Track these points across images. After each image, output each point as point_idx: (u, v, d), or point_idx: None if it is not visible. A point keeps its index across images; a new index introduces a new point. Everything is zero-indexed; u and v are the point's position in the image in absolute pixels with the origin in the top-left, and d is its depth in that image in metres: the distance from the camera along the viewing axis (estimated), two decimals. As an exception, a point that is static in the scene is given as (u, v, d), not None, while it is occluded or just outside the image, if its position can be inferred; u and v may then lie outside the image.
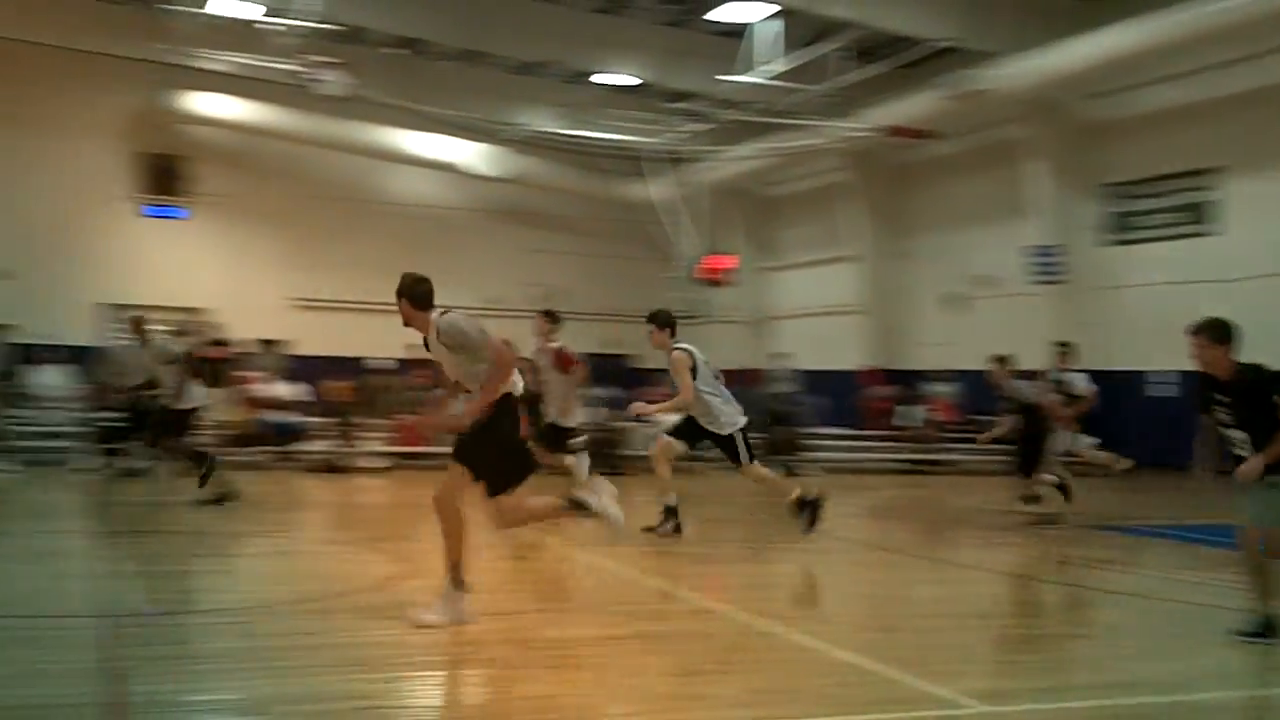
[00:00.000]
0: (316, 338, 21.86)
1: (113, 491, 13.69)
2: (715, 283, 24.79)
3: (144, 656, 5.99)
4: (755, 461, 10.28)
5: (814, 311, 26.09)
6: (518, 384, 6.81)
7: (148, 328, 13.56)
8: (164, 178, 23.88)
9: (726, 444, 10.20)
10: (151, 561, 9.26)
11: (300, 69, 19.97)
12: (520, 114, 24.40)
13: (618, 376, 22.61)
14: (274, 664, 5.87)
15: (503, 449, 6.73)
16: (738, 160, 25.03)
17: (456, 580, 6.71)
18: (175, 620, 7.16)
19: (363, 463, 17.60)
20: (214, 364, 16.90)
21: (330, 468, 17.16)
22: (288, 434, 17.81)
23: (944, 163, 23.43)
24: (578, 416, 12.08)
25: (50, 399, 17.65)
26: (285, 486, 15.39)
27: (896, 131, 21.29)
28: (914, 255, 24.65)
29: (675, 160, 25.08)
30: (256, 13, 19.86)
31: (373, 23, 22.12)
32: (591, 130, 23.64)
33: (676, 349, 10.16)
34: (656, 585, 8.52)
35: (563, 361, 11.65)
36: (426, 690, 5.79)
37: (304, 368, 19.35)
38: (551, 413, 11.71)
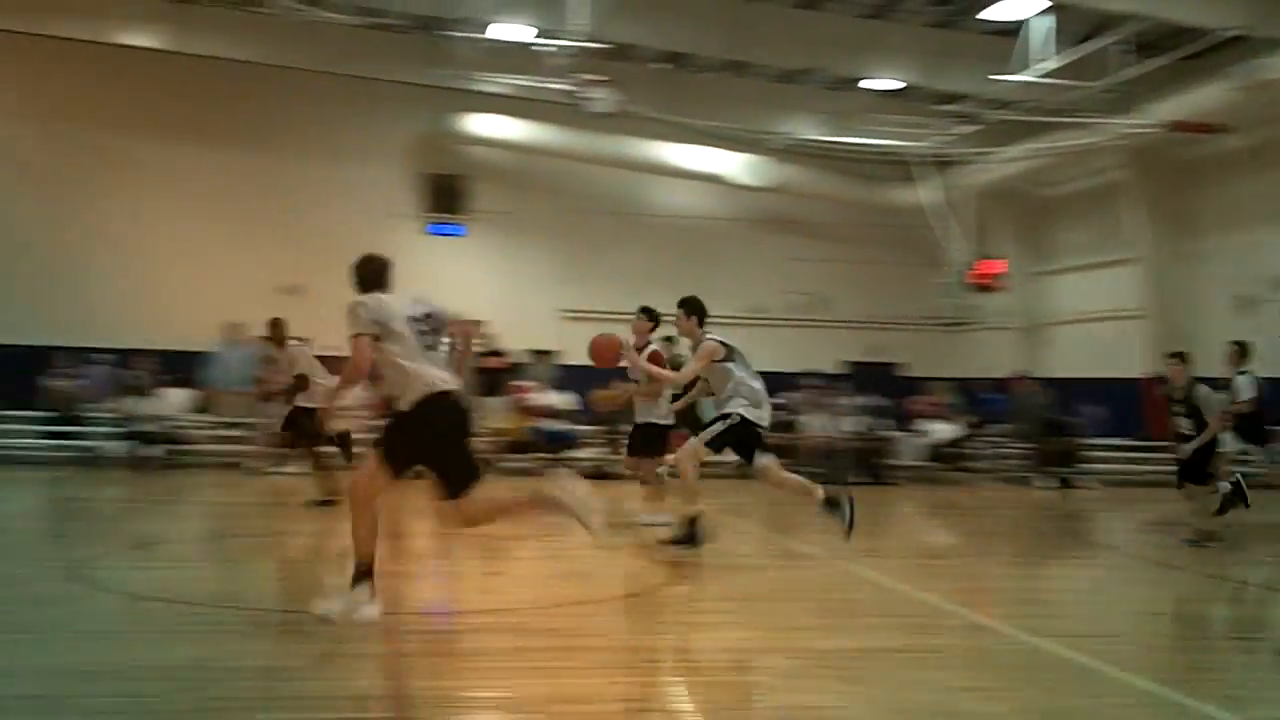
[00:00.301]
0: (585, 347, 22.38)
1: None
2: (987, 288, 24.10)
3: (423, 652, 6.29)
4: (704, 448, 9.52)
5: (1090, 317, 24.98)
6: (444, 380, 6.64)
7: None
8: (446, 197, 25.04)
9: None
10: (429, 561, 9.71)
11: (571, 88, 20.60)
12: (783, 122, 24.38)
13: (883, 384, 22.28)
14: (547, 664, 6.04)
15: (441, 448, 6.55)
16: (1008, 162, 24.25)
17: (360, 575, 6.58)
18: (452, 618, 7.47)
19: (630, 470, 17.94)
20: (492, 374, 17.63)
21: (599, 474, 17.57)
22: (559, 441, 18.38)
23: (1232, 157, 22.01)
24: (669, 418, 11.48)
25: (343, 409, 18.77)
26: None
27: (1180, 126, 20.16)
28: (1201, 256, 23.27)
29: (943, 164, 24.53)
30: (530, 35, 20.65)
31: (639, 39, 22.58)
32: (856, 136, 23.40)
33: (710, 339, 9.79)
34: (927, 599, 8.34)
35: (655, 365, 11.18)
36: (695, 695, 5.84)
37: (573, 377, 19.89)
38: (644, 415, 11.46)
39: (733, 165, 25.39)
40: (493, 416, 17.38)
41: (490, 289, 24.19)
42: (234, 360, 18.65)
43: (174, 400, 18.68)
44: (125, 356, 19.21)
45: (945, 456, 19.99)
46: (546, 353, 20.32)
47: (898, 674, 6.06)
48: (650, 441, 11.44)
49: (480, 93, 22.73)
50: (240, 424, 18.16)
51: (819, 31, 22.06)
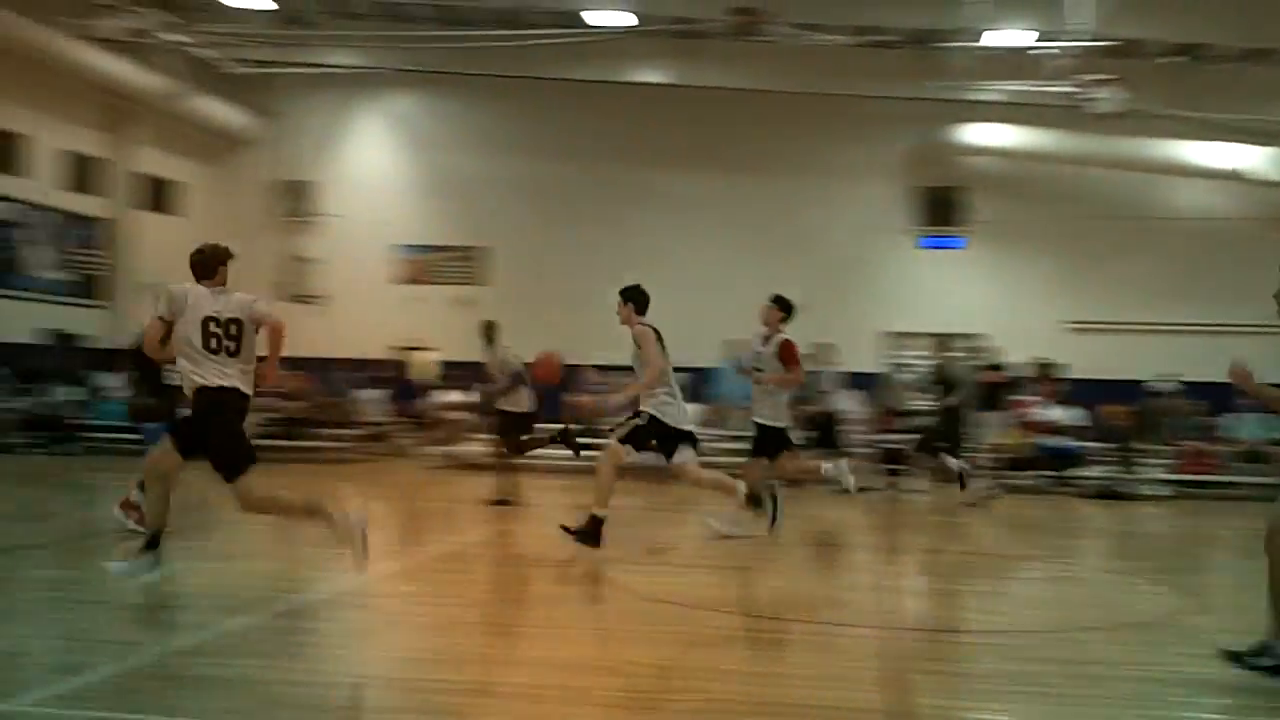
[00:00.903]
0: (1092, 360, 21.39)
1: (895, 510, 14.44)
2: None
3: (925, 670, 6.25)
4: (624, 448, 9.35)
5: None
6: (217, 377, 6.94)
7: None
8: (941, 209, 24.77)
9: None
10: (931, 578, 9.61)
11: (1074, 89, 19.76)
12: (1315, 110, 22.06)
13: None
14: (1051, 690, 5.82)
15: (204, 437, 7.05)
16: None
17: (150, 543, 7.21)
18: (953, 637, 7.36)
19: (1144, 490, 16.90)
20: (992, 389, 17.22)
21: (1109, 494, 16.67)
22: (1064, 458, 17.61)
23: None
24: (787, 419, 10.81)
25: (845, 422, 19.03)
26: (1062, 512, 15.23)
27: None
28: None
29: None
30: (1029, 39, 20.02)
31: (1148, 33, 21.26)
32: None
33: (644, 325, 9.58)
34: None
35: (787, 356, 10.57)
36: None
37: (1080, 391, 19.01)
38: (763, 413, 10.70)
39: (1255, 160, 23.24)
40: (993, 431, 16.95)
41: (988, 301, 23.65)
42: (736, 376, 19.38)
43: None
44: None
45: None
46: (1050, 365, 19.55)
47: None
48: (770, 443, 10.72)
49: (974, 102, 22.29)
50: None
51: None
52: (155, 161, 30.73)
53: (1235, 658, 5.77)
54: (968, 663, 6.61)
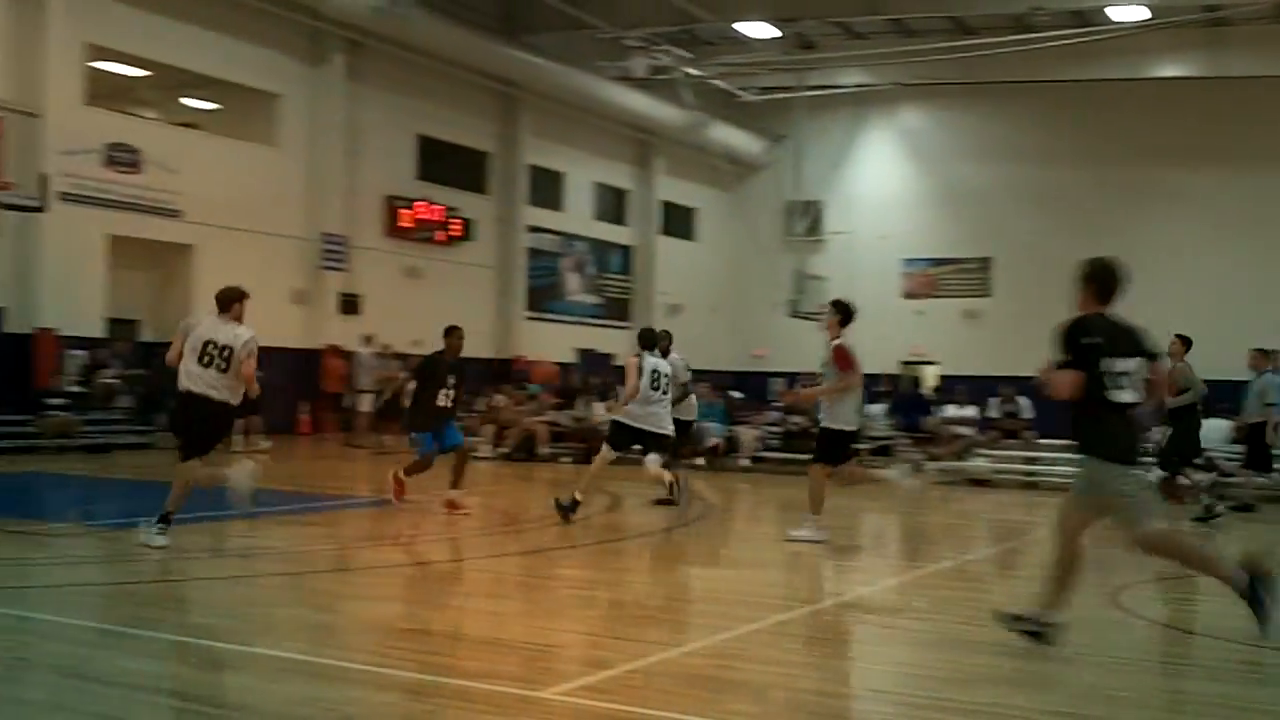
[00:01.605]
0: None
1: None
2: None
3: None
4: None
5: None
6: (191, 384, 8.82)
7: None
8: None
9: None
10: None
11: None
12: None
13: None
14: None
15: (176, 426, 9.27)
16: None
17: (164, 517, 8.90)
18: None
19: None
20: None
21: None
22: None
23: None
24: (852, 422, 10.54)
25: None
26: None
27: None
28: None
29: None
30: None
31: None
32: None
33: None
34: None
35: (840, 360, 10.44)
36: None
37: None
38: (822, 416, 10.63)
39: None
40: None
41: None
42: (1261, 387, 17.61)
43: (1213, 431, 18.21)
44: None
45: None
46: None
47: None
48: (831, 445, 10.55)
49: None
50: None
51: None
52: (673, 189, 32.72)
53: (1006, 618, 6.33)
54: None
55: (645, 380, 11.15)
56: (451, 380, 11.72)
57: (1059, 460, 18.99)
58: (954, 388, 20.45)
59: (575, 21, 24.30)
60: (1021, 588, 9.66)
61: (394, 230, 25.44)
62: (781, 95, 28.20)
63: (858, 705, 5.66)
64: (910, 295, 29.62)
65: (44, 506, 9.64)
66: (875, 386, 22.10)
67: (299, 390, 22.35)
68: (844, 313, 10.78)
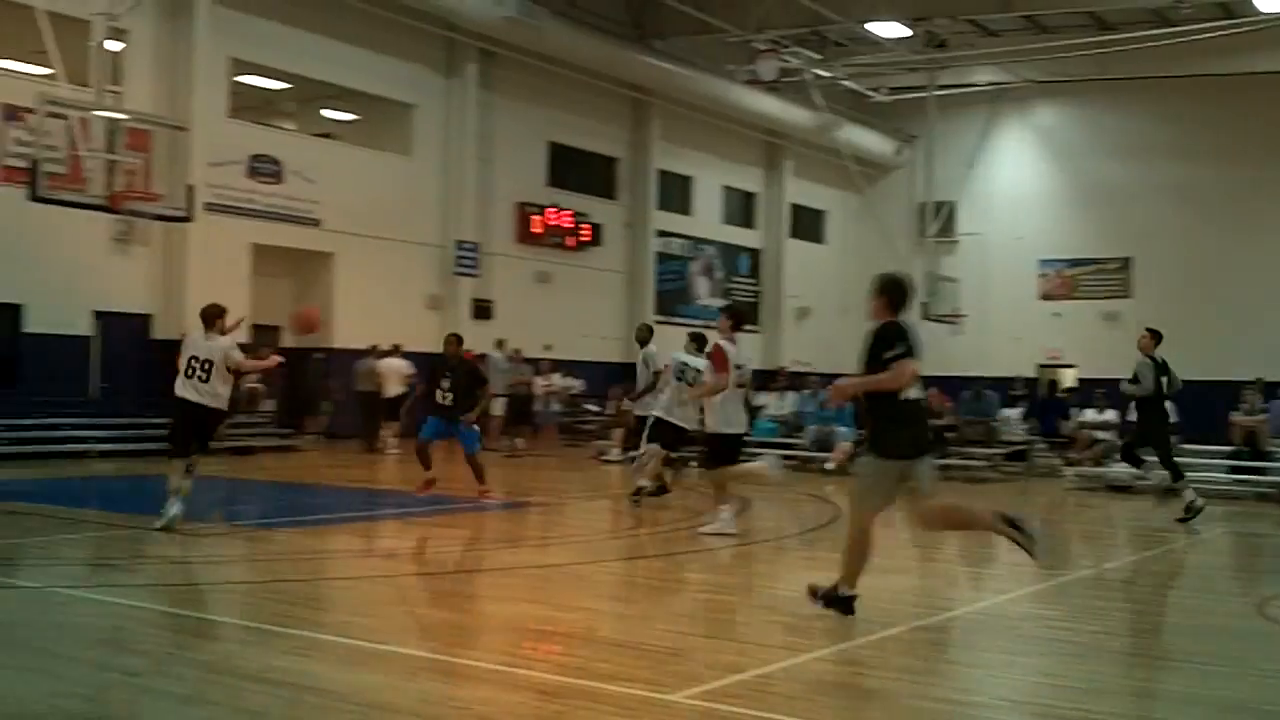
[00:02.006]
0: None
1: None
2: None
3: None
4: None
5: None
6: (183, 392, 10.06)
7: None
8: None
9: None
10: None
11: None
12: None
13: None
14: None
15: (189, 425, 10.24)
16: None
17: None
18: None
19: None
20: None
21: None
22: None
23: None
24: (735, 424, 10.96)
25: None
26: None
27: None
28: None
29: None
30: None
31: None
32: None
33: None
34: None
35: (716, 360, 10.97)
36: None
37: None
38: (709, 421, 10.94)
39: None
40: None
41: None
42: None
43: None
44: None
45: None
46: None
47: None
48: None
49: None
50: None
51: None
52: (802, 192, 32.53)
53: (814, 594, 6.92)
54: None
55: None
56: (447, 382, 12.85)
57: (1201, 466, 18.46)
58: (1093, 391, 19.93)
59: (704, 26, 24.32)
60: (1159, 596, 9.40)
61: (525, 236, 25.78)
62: (913, 95, 27.83)
63: (994, 717, 5.55)
64: (1047, 297, 28.95)
65: (193, 507, 10.05)
66: (1011, 389, 21.74)
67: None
68: (735, 317, 11.68)
